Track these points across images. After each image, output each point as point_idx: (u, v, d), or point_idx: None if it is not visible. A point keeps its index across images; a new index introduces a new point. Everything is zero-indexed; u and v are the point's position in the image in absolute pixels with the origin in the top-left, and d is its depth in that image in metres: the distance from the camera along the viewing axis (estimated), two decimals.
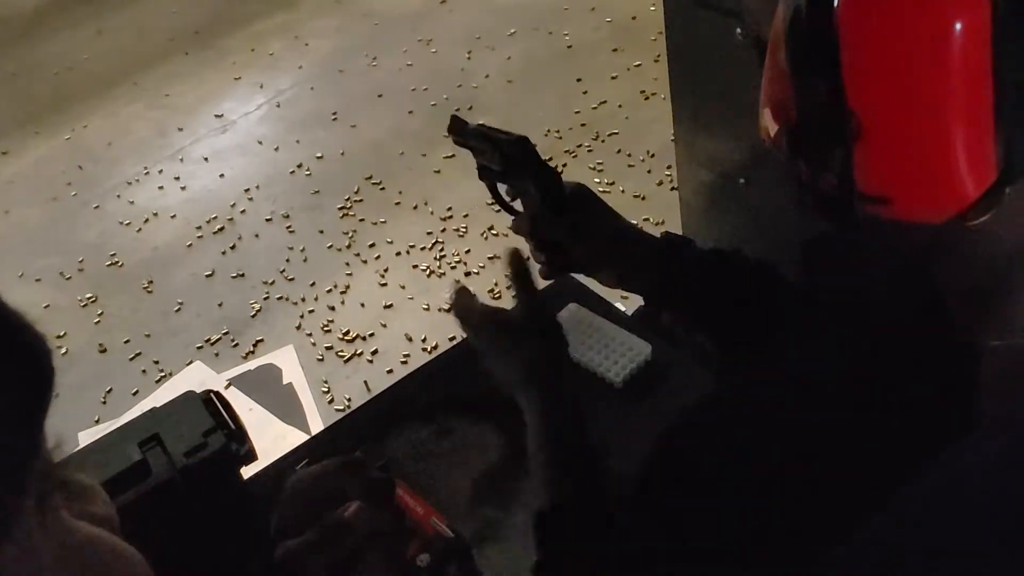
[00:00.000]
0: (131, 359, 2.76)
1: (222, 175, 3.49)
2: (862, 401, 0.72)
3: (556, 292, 1.30)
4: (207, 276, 3.03)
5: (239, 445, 0.93)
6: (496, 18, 4.04)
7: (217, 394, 0.98)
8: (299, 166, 3.44)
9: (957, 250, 0.64)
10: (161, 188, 3.50)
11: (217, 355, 2.72)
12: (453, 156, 3.13)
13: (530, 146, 0.87)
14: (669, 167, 2.88)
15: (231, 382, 2.59)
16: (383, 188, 3.24)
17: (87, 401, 2.63)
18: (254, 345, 2.73)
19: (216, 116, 3.85)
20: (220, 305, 2.89)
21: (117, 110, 4.02)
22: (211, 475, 0.91)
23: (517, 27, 3.95)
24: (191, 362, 2.70)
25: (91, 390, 2.67)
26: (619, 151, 3.14)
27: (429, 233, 2.98)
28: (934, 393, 0.68)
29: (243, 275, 3.00)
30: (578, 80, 3.53)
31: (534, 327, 0.80)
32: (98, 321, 2.93)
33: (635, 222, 0.90)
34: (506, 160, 0.87)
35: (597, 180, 3.00)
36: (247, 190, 3.37)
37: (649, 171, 3.02)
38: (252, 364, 2.67)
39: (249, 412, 2.46)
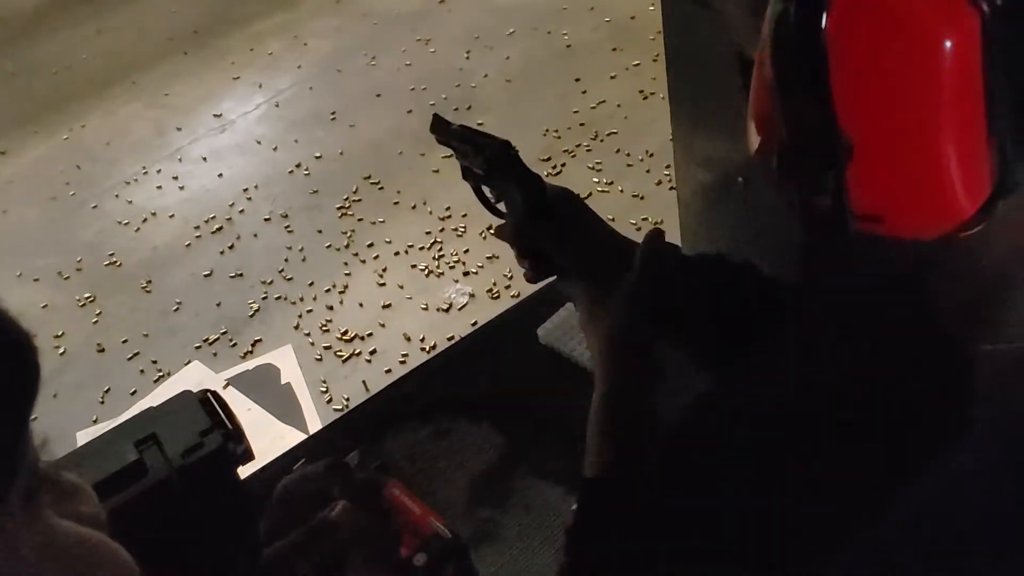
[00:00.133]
0: (129, 359, 2.76)
1: (221, 175, 3.49)
2: (859, 403, 0.72)
3: (554, 290, 1.30)
4: (205, 276, 3.02)
5: (236, 445, 0.93)
6: (495, 18, 4.04)
7: (214, 393, 0.98)
8: (298, 166, 3.44)
9: (949, 257, 0.64)
10: (160, 188, 3.50)
11: (215, 355, 2.72)
12: (452, 156, 3.13)
13: (512, 150, 0.86)
14: (668, 167, 2.87)
15: (229, 382, 2.59)
16: (382, 188, 3.24)
17: (85, 401, 2.62)
18: (252, 345, 2.73)
19: (215, 116, 3.85)
20: (218, 305, 2.89)
21: (116, 110, 4.01)
22: (208, 475, 0.91)
23: (516, 27, 3.95)
24: (189, 362, 2.70)
25: (89, 390, 2.66)
26: (618, 151, 3.14)
27: (428, 233, 2.98)
28: (929, 396, 0.68)
29: (241, 275, 2.99)
30: (577, 80, 3.53)
31: (632, 300, 0.78)
32: (96, 321, 2.93)
33: (634, 222, 0.90)
34: (488, 164, 0.86)
35: (596, 180, 3.00)
36: (246, 190, 3.37)
37: (648, 171, 3.01)
38: (250, 364, 2.66)
39: (247, 412, 2.46)
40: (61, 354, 2.82)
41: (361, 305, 2.79)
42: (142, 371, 2.71)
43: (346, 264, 2.95)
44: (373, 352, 2.62)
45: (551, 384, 1.21)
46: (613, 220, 0.91)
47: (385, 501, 0.85)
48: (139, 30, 4.56)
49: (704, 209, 1.52)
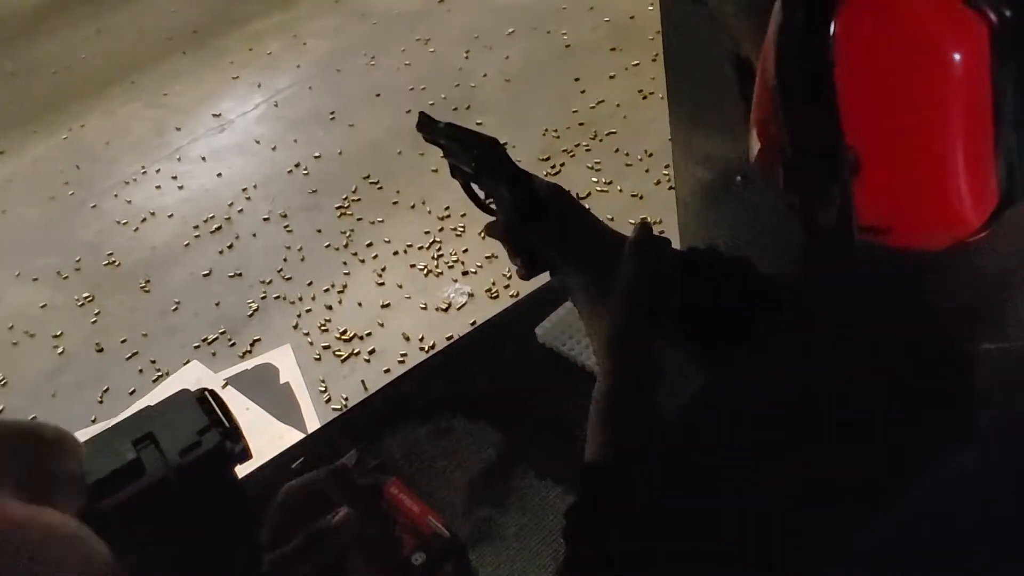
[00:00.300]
0: (128, 358, 2.76)
1: (220, 175, 3.49)
2: (859, 403, 0.71)
3: (553, 290, 1.30)
4: (204, 276, 3.02)
5: (234, 443, 0.93)
6: (494, 18, 4.04)
7: (212, 392, 0.97)
8: (297, 165, 3.44)
9: (950, 258, 0.64)
10: (159, 187, 3.49)
11: (214, 355, 2.72)
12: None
13: (500, 149, 0.86)
14: (667, 166, 2.87)
15: (228, 381, 2.58)
16: (381, 187, 3.23)
17: (84, 401, 2.62)
18: (251, 345, 2.72)
19: (214, 115, 3.85)
20: (217, 305, 2.89)
21: (115, 109, 4.01)
22: (206, 474, 0.90)
23: (515, 27, 3.95)
24: (188, 362, 2.70)
25: (88, 390, 2.66)
26: (617, 150, 3.13)
27: (427, 232, 2.98)
28: (929, 396, 0.68)
29: (240, 274, 2.99)
30: (576, 79, 3.53)
31: (631, 297, 0.77)
32: (95, 320, 2.93)
33: (632, 221, 0.89)
34: (476, 162, 0.86)
35: (595, 179, 3.00)
36: (245, 189, 3.37)
37: (647, 170, 3.01)
38: (249, 364, 2.66)
39: (246, 412, 2.46)
40: (60, 354, 2.82)
41: (360, 305, 2.78)
42: (141, 371, 2.71)
43: (345, 264, 2.95)
44: (372, 352, 2.62)
45: (550, 383, 1.21)
46: (612, 220, 0.91)
47: (386, 504, 0.85)
48: (138, 30, 4.56)
49: (703, 208, 1.52)
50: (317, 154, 3.48)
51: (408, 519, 1.00)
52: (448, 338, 2.52)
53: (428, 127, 0.90)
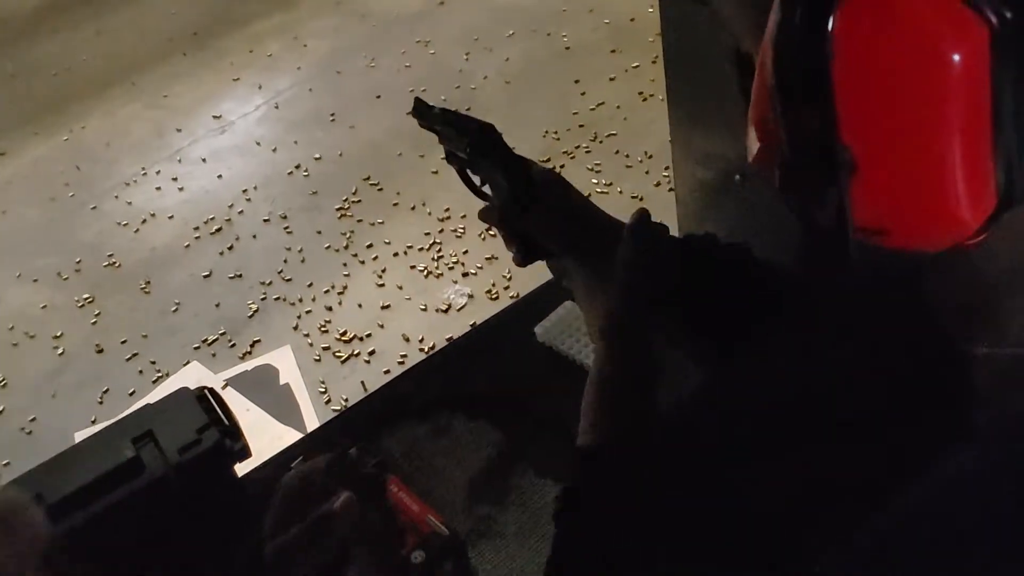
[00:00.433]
0: (128, 359, 2.76)
1: (220, 176, 3.49)
2: (859, 403, 0.71)
3: (552, 289, 1.30)
4: (204, 277, 3.02)
5: (233, 441, 0.93)
6: (494, 19, 4.04)
7: (211, 390, 0.98)
8: (297, 167, 3.44)
9: (950, 262, 0.64)
10: (159, 189, 3.50)
11: (214, 355, 2.72)
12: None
13: (495, 134, 0.85)
14: (667, 168, 2.87)
15: (228, 382, 2.58)
16: (381, 189, 3.23)
17: (84, 401, 2.62)
18: (251, 346, 2.72)
19: (214, 117, 3.85)
20: (217, 306, 2.89)
21: (115, 111, 4.01)
22: (205, 471, 0.91)
23: (515, 28, 3.95)
24: (188, 362, 2.70)
25: (88, 390, 2.66)
26: (617, 152, 3.14)
27: (427, 234, 2.98)
28: (928, 397, 0.68)
29: (240, 276, 2.99)
30: (576, 81, 3.53)
31: (628, 282, 0.77)
32: (95, 321, 2.93)
33: None
34: (471, 147, 0.85)
35: (595, 181, 3.00)
36: (245, 191, 3.37)
37: (647, 172, 3.02)
38: (249, 365, 2.66)
39: (246, 412, 2.45)
40: (60, 354, 2.82)
41: (360, 306, 2.78)
42: (141, 371, 2.71)
43: (345, 265, 2.95)
44: (372, 353, 2.62)
45: (549, 382, 1.21)
46: None
47: (388, 496, 0.85)
48: (139, 31, 4.56)
49: (702, 207, 1.52)
50: (317, 155, 3.48)
51: (408, 517, 1.00)
52: (448, 339, 2.52)
53: (423, 112, 0.89)
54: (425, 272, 2.84)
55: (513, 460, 1.12)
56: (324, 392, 2.53)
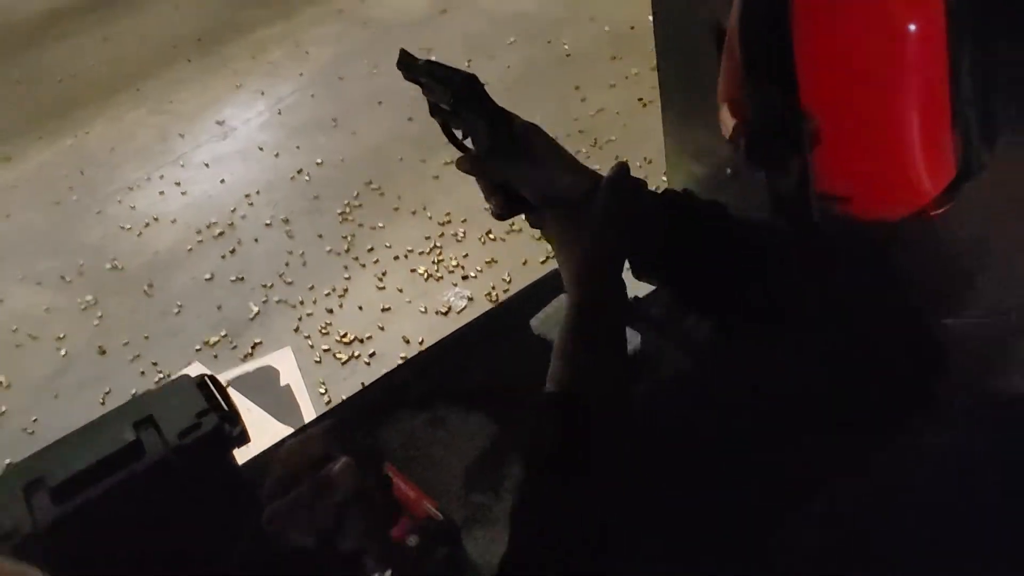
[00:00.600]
0: (130, 361, 2.78)
1: (223, 180, 3.52)
2: (833, 376, 0.73)
3: (548, 284, 1.32)
4: (207, 279, 3.04)
5: (232, 426, 0.95)
6: (495, 27, 4.08)
7: (211, 377, 0.99)
8: (299, 171, 3.47)
9: (915, 236, 0.65)
10: (162, 193, 3.52)
11: (216, 357, 2.73)
12: (453, 162, 3.15)
13: (478, 85, 0.85)
14: (666, 173, 2.89)
15: (230, 383, 2.60)
16: (382, 193, 3.26)
17: (86, 402, 2.64)
18: (252, 347, 2.74)
19: (217, 122, 3.88)
20: (219, 308, 2.91)
21: (120, 116, 4.05)
22: (204, 455, 0.92)
23: (516, 35, 3.98)
24: (190, 364, 2.71)
25: (90, 391, 2.68)
26: (617, 157, 3.13)
27: (427, 238, 3.00)
28: (894, 367, 0.69)
29: (242, 278, 3.01)
30: (576, 88, 3.56)
31: (602, 229, 0.77)
32: (98, 323, 2.95)
33: None
34: (455, 98, 0.85)
35: None
36: (247, 195, 3.40)
37: (646, 177, 3.02)
38: (250, 366, 2.68)
39: (247, 413, 2.46)
40: (63, 356, 2.84)
41: (361, 308, 2.80)
42: (143, 373, 2.73)
43: (346, 268, 2.97)
44: (372, 355, 2.64)
45: (543, 373, 1.22)
46: None
47: (385, 467, 0.86)
48: (143, 38, 4.60)
49: None
50: (319, 160, 3.50)
51: (403, 503, 1.02)
52: None
53: (408, 64, 0.88)
54: (425, 275, 2.86)
55: (508, 450, 1.13)
56: (324, 393, 2.54)
